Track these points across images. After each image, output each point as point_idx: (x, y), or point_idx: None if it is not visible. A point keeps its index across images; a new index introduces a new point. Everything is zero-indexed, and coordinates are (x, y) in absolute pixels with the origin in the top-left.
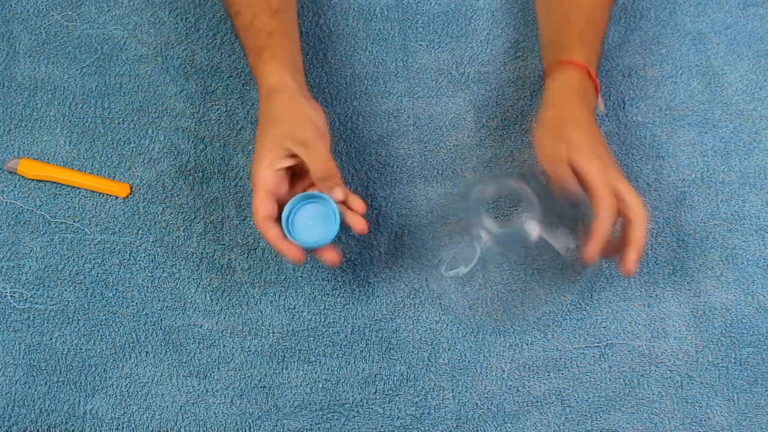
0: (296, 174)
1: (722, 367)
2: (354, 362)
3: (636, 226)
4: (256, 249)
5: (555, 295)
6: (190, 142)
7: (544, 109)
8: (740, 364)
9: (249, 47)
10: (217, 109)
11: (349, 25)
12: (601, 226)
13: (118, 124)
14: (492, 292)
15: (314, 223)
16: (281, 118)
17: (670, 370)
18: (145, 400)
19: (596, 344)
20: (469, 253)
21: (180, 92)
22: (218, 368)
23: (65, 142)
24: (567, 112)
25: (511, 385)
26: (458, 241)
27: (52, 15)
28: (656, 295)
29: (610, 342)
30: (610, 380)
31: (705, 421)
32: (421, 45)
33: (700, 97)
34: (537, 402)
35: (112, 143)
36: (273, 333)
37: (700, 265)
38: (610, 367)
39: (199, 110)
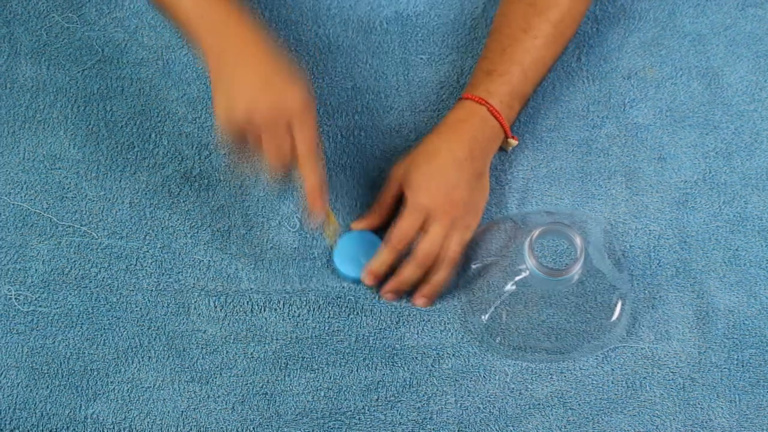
0: None
1: (725, 368)
2: (357, 370)
3: (438, 268)
4: (263, 260)
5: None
6: (194, 148)
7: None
8: (743, 366)
9: None
10: None
11: (349, 37)
12: (382, 249)
13: (122, 127)
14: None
15: (362, 256)
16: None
17: (672, 372)
18: (147, 405)
19: None
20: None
21: (182, 97)
22: (220, 374)
23: (70, 144)
24: (425, 144)
25: (513, 388)
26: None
27: (53, 17)
28: (659, 297)
29: (612, 345)
30: (612, 383)
31: (707, 423)
32: (421, 58)
33: (701, 98)
34: (539, 405)
35: (117, 146)
36: (276, 340)
37: (703, 266)
38: (613, 370)
39: (201, 115)
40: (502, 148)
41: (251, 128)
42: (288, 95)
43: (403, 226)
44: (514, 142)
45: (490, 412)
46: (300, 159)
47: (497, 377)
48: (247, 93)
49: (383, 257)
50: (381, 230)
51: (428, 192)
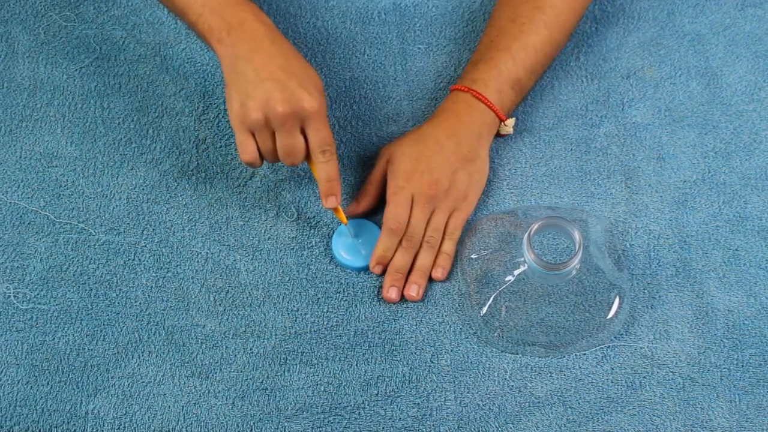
0: None
1: (724, 368)
2: (356, 365)
3: (423, 252)
4: (261, 250)
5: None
6: (191, 142)
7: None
8: (742, 366)
9: None
10: (216, 108)
11: (347, 29)
12: (381, 235)
13: (119, 124)
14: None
15: (360, 245)
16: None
17: (672, 372)
18: (147, 399)
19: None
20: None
21: (179, 92)
22: (220, 369)
23: (67, 142)
24: (413, 131)
25: (513, 386)
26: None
27: (51, 15)
28: (659, 297)
29: (612, 343)
30: (612, 382)
31: (706, 422)
32: (419, 48)
33: (700, 98)
34: (539, 403)
35: (114, 143)
36: (275, 335)
37: (702, 266)
38: (612, 369)
39: (198, 109)
40: (501, 135)
41: (264, 127)
42: (303, 96)
43: (394, 209)
44: (510, 122)
45: (489, 409)
46: (313, 158)
47: (496, 374)
48: (261, 93)
49: (385, 242)
50: (379, 219)
51: (406, 174)
